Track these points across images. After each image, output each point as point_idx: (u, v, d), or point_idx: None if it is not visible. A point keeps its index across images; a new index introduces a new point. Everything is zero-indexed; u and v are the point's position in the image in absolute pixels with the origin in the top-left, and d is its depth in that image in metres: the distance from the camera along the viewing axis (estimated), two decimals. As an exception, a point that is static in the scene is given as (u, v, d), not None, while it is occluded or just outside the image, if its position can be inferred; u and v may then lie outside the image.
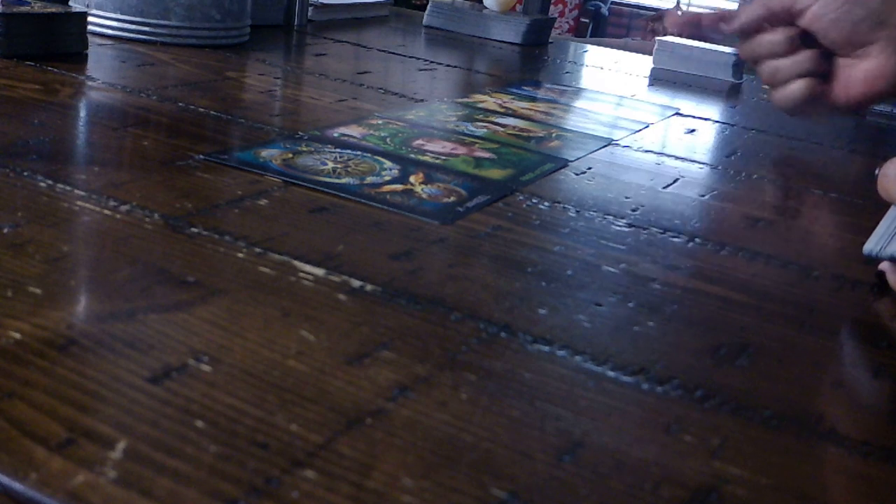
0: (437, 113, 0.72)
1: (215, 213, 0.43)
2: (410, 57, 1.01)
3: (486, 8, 1.29)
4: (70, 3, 0.86)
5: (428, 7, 1.29)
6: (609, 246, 0.46)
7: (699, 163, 0.68)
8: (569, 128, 0.74)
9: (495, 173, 0.56)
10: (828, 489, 0.28)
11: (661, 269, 0.44)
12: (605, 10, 5.34)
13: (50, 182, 0.44)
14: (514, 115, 0.75)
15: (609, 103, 0.89)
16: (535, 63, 1.11)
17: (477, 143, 0.63)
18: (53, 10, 0.74)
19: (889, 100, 0.73)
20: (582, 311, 0.38)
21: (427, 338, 0.33)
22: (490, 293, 0.38)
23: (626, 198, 0.56)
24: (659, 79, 1.08)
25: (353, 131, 0.62)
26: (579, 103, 0.86)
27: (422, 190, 0.51)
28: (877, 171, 0.49)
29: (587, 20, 5.15)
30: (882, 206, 0.61)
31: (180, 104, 0.64)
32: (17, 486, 0.23)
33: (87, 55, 0.75)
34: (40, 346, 0.29)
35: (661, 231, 0.50)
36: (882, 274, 0.45)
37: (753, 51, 0.68)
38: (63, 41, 0.74)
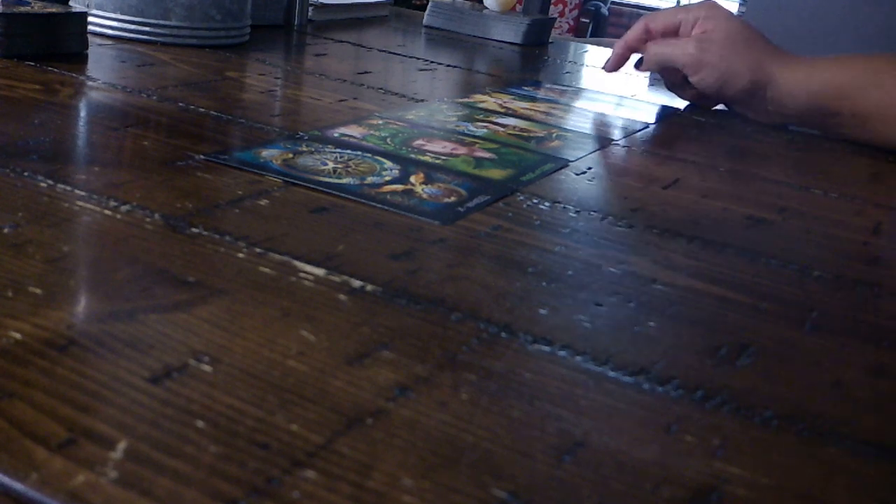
0: (438, 113, 0.72)
1: (215, 213, 0.43)
2: (410, 57, 1.01)
3: (486, 8, 1.29)
4: (70, 3, 0.86)
5: (428, 7, 1.29)
6: (609, 246, 0.46)
7: (699, 163, 0.68)
8: (569, 128, 0.74)
9: (495, 173, 0.56)
10: (828, 489, 0.28)
11: (661, 269, 0.44)
12: (605, 10, 5.34)
13: (50, 182, 0.44)
14: (515, 115, 0.75)
15: (609, 103, 0.89)
16: (535, 63, 1.11)
17: (477, 143, 0.63)
18: (53, 10, 0.74)
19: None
20: (582, 312, 0.38)
21: (427, 338, 0.33)
22: (490, 293, 0.38)
23: (626, 198, 0.56)
24: (659, 79, 1.08)
25: (354, 131, 0.62)
26: (579, 103, 0.86)
27: (422, 190, 0.51)
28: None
29: (587, 20, 5.15)
30: (882, 206, 0.61)
31: (180, 104, 0.64)
32: (18, 486, 0.23)
33: (87, 55, 0.75)
34: (40, 346, 0.29)
35: (661, 231, 0.50)
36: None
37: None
38: (63, 41, 0.74)
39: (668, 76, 0.89)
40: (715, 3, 0.85)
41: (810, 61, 0.81)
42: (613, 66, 0.89)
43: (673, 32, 0.86)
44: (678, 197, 0.58)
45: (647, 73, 1.11)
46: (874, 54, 0.82)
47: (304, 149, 0.56)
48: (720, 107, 0.90)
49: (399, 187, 0.50)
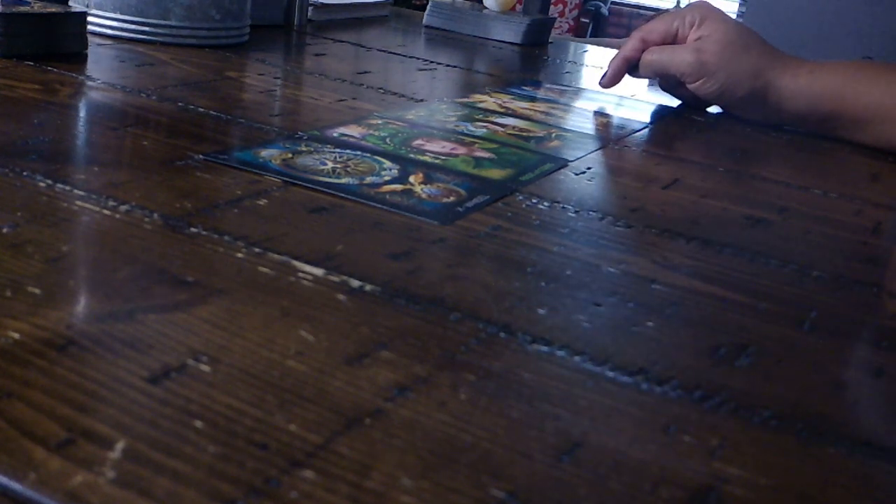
0: (437, 113, 0.72)
1: (215, 212, 0.43)
2: (410, 57, 1.01)
3: (486, 8, 1.29)
4: (70, 3, 0.86)
5: (428, 7, 1.29)
6: (608, 246, 0.46)
7: (699, 163, 0.68)
8: (569, 128, 0.74)
9: (495, 173, 0.56)
10: (828, 489, 0.28)
11: (660, 269, 0.44)
12: (605, 10, 5.34)
13: (49, 182, 0.44)
14: (514, 115, 0.75)
15: (609, 103, 0.88)
16: (535, 63, 1.11)
17: (477, 143, 0.63)
18: (53, 10, 0.74)
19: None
20: (581, 312, 0.38)
21: (426, 338, 0.33)
22: (489, 293, 0.38)
23: (626, 198, 0.56)
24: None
25: (353, 131, 0.62)
26: (579, 103, 0.86)
27: (421, 190, 0.51)
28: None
29: (587, 20, 5.16)
30: (882, 206, 0.61)
31: (180, 104, 0.64)
32: (16, 485, 0.23)
33: (86, 55, 0.75)
34: (39, 346, 0.29)
35: (660, 231, 0.50)
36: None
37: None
38: (63, 41, 0.74)
39: (664, 79, 0.89)
40: (709, 3, 0.85)
41: (809, 67, 0.81)
42: (610, 81, 0.88)
43: (670, 41, 0.85)
44: (678, 197, 0.58)
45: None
46: (873, 60, 0.82)
47: (304, 149, 0.56)
48: (715, 108, 0.90)
49: (398, 187, 0.50)
